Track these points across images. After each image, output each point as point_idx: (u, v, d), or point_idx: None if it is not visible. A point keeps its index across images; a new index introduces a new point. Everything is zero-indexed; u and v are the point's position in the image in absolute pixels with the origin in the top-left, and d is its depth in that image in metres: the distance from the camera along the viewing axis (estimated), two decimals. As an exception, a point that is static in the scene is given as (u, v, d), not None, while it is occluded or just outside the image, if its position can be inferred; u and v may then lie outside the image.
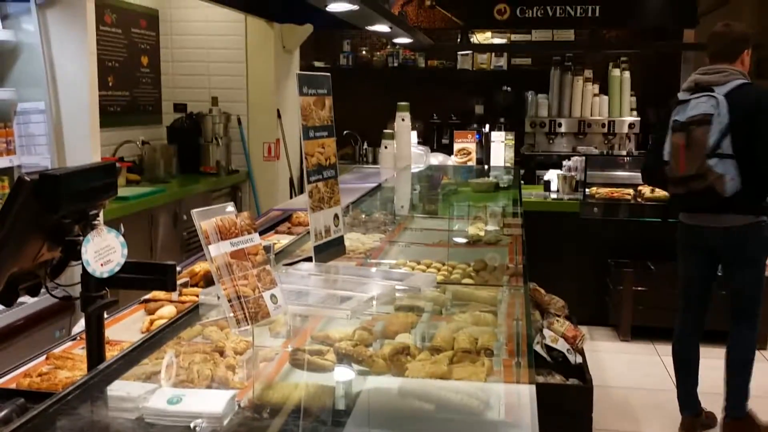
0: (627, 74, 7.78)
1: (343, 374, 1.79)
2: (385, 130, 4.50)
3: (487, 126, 6.18)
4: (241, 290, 1.35)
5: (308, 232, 1.96)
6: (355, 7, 3.05)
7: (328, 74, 2.10)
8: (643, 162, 4.13)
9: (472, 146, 5.75)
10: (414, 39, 5.73)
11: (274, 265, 1.63)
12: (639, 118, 7.74)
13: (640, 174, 6.26)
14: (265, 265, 1.42)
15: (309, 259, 1.98)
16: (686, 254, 3.92)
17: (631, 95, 7.81)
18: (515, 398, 1.82)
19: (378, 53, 8.24)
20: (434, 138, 8.11)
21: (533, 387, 1.88)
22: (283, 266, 2.03)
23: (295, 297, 1.72)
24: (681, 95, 3.71)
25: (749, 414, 3.81)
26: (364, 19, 3.81)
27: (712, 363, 4.04)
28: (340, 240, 2.02)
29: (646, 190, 5.62)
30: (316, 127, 1.88)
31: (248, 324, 1.36)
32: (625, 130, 7.71)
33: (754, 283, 3.76)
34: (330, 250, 1.95)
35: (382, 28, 4.40)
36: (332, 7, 3.00)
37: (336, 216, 1.99)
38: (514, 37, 8.04)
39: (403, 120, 4.48)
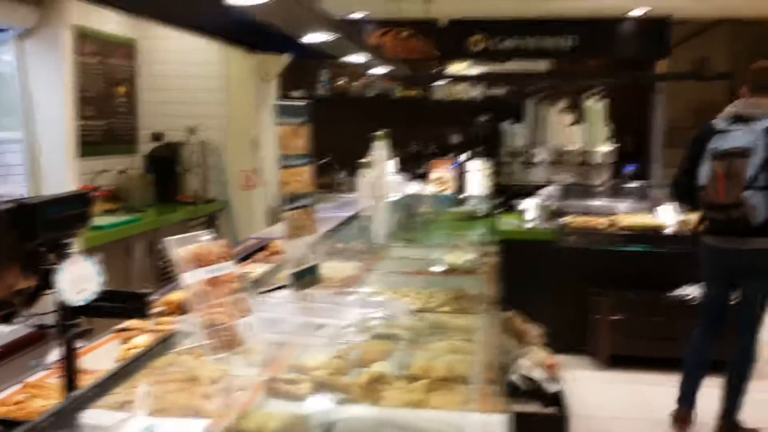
0: (602, 104, 7.88)
1: (319, 403, 1.79)
2: (362, 159, 4.52)
3: (464, 155, 6.23)
4: (217, 318, 1.35)
5: (285, 261, 1.96)
6: (330, 38, 3.09)
7: (305, 104, 2.12)
8: (675, 179, 4.31)
9: (449, 175, 5.79)
10: (391, 69, 5.79)
11: (250, 293, 1.63)
12: (614, 148, 7.83)
13: (621, 200, 6.50)
14: (240, 293, 1.43)
15: (285, 287, 1.98)
16: (709, 275, 4.16)
17: (606, 125, 7.91)
18: (491, 427, 1.83)
19: (356, 83, 8.30)
20: (412, 167, 8.14)
21: (508, 416, 1.88)
22: (259, 294, 2.03)
23: (271, 325, 1.72)
24: (719, 124, 3.93)
25: (740, 423, 4.04)
26: (340, 49, 3.85)
27: (712, 392, 4.10)
28: (316, 268, 2.03)
29: (621, 219, 5.68)
30: (293, 156, 1.90)
31: (223, 352, 1.36)
32: (601, 159, 7.78)
33: (763, 299, 4.00)
34: (306, 278, 1.96)
35: (359, 58, 4.44)
36: (308, 38, 3.03)
37: (312, 244, 2.00)
38: (489, 67, 8.14)
39: (380, 149, 4.50)
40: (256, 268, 2.84)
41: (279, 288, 1.98)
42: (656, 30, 7.27)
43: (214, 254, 1.37)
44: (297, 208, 1.87)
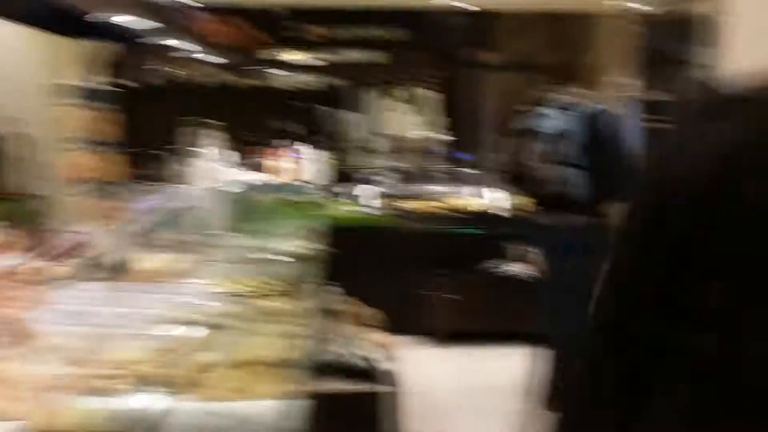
0: (437, 94, 8.12)
1: (142, 397, 1.75)
2: (194, 149, 4.42)
3: (303, 144, 6.23)
4: (11, 313, 1.29)
5: (95, 252, 1.89)
6: (144, 22, 3.00)
7: (116, 89, 2.05)
8: (506, 163, 4.59)
9: (287, 164, 5.79)
10: (224, 57, 5.69)
11: (58, 286, 1.56)
12: (447, 135, 8.08)
13: (452, 184, 6.77)
14: (41, 285, 1.37)
15: (97, 279, 1.91)
16: (540, 251, 4.42)
17: (440, 114, 8.15)
18: (312, 408, 1.86)
19: (188, 71, 8.05)
20: (248, 156, 8.02)
21: (330, 397, 1.92)
22: (72, 287, 1.94)
23: (81, 318, 1.66)
24: (540, 109, 4.26)
25: None
26: (164, 35, 3.75)
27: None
28: (128, 259, 1.97)
29: (454, 202, 5.91)
30: (100, 143, 1.83)
31: (20, 348, 1.29)
32: (436, 146, 8.02)
33: (588, 273, 4.22)
34: (118, 269, 1.90)
35: (188, 45, 4.34)
36: (122, 22, 2.92)
37: (129, 234, 1.94)
38: (327, 56, 8.16)
39: (214, 138, 4.43)
40: (68, 261, 2.72)
41: (91, 279, 1.91)
42: (483, 23, 7.56)
43: (7, 246, 1.31)
44: (104, 195, 1.81)
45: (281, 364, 2.01)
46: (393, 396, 3.33)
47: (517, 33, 7.83)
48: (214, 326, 2.11)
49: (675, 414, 0.65)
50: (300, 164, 5.70)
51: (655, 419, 0.68)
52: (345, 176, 7.22)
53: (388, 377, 3.36)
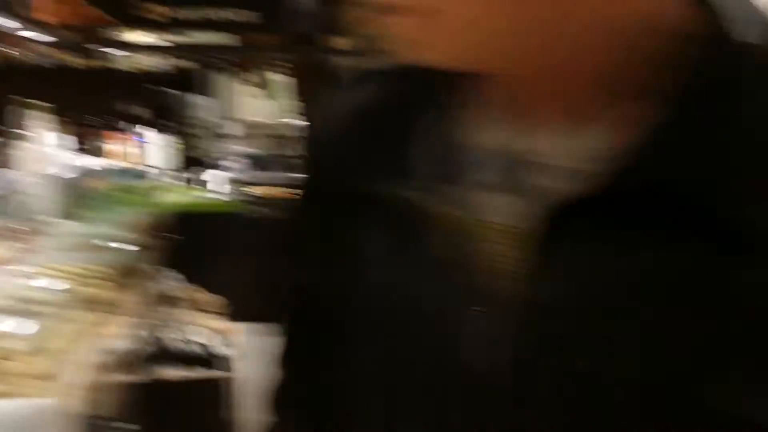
0: (287, 78, 8.07)
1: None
2: (24, 132, 4.20)
3: (147, 127, 6.04)
4: None
5: None
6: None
7: None
8: None
9: (129, 149, 5.61)
10: (57, 36, 5.42)
11: None
12: (300, 121, 8.07)
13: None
14: None
15: None
16: None
17: (291, 98, 8.12)
18: (148, 395, 1.83)
19: (23, 51, 7.60)
20: (87, 139, 7.66)
21: (166, 383, 1.89)
22: None
23: None
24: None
25: None
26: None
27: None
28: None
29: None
30: None
31: None
32: (288, 132, 7.98)
33: None
34: None
35: (11, 22, 4.10)
36: None
37: None
38: (174, 38, 7.92)
39: (47, 121, 4.22)
40: None
41: None
42: (335, 7, 7.57)
43: None
44: None
45: (97, 353, 1.96)
46: (230, 382, 3.31)
47: (374, 19, 7.91)
48: (25, 313, 2.02)
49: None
50: (144, 148, 5.53)
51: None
52: (193, 161, 7.06)
53: (225, 363, 3.34)
